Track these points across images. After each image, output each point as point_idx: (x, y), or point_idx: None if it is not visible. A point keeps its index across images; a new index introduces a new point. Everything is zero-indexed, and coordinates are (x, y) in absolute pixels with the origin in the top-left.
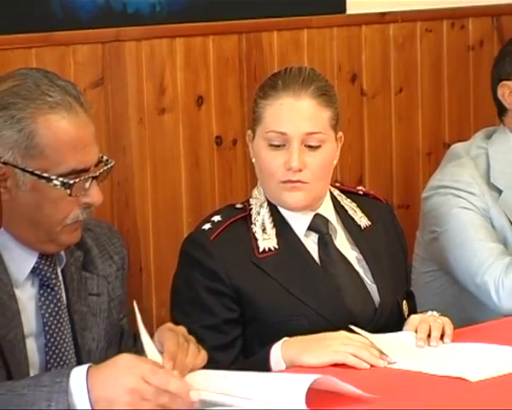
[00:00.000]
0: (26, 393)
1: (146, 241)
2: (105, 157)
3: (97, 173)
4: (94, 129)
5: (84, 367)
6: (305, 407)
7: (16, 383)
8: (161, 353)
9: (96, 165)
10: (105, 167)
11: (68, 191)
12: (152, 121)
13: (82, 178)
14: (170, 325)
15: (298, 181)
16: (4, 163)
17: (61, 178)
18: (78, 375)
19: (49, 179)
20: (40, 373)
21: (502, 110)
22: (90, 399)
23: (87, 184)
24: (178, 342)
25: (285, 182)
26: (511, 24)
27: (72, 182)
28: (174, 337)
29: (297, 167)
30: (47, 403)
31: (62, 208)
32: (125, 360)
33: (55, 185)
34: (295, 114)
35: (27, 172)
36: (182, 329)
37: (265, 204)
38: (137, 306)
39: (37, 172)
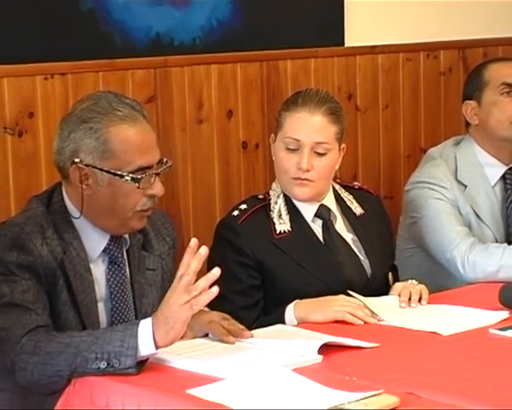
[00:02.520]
0: (104, 336)
1: (187, 224)
2: (165, 159)
3: (159, 170)
4: (155, 135)
5: (149, 318)
6: (317, 355)
7: (96, 331)
8: None
9: (158, 163)
10: (165, 166)
11: (137, 185)
12: (192, 130)
13: (147, 173)
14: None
15: (306, 179)
16: (87, 165)
17: (131, 175)
18: (145, 323)
19: (121, 176)
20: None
21: (467, 123)
22: (154, 340)
23: (152, 179)
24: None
25: (295, 178)
26: (473, 55)
27: (139, 177)
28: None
29: (306, 168)
30: (120, 343)
31: (133, 199)
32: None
33: (127, 181)
34: (308, 126)
35: (104, 171)
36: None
37: (281, 195)
38: None
39: (112, 171)
